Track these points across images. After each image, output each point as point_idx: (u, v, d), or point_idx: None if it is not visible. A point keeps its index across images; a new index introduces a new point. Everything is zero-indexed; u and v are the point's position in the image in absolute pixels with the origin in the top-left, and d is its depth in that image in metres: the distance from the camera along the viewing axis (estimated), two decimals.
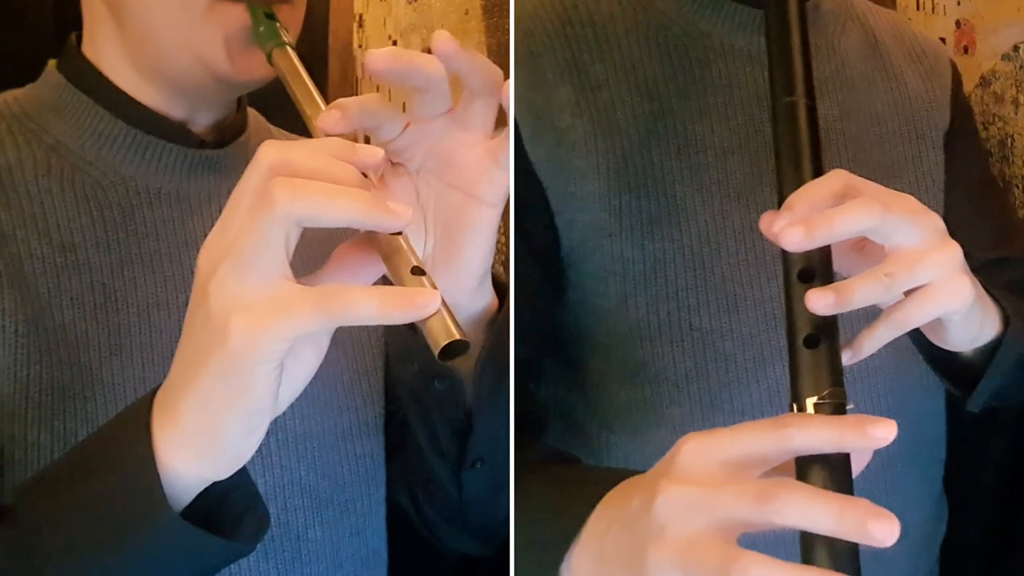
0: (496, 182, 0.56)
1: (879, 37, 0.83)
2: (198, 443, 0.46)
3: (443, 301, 0.46)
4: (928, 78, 0.84)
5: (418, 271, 0.47)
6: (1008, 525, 1.00)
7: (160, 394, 0.48)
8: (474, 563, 0.82)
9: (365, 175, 0.49)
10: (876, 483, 0.75)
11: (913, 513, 0.80)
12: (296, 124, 0.60)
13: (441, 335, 0.45)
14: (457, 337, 0.45)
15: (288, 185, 0.44)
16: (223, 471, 0.47)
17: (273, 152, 0.46)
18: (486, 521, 0.74)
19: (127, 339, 0.64)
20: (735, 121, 0.74)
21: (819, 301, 0.51)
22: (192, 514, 0.47)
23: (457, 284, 0.58)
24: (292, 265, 0.46)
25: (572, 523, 0.53)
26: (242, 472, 0.48)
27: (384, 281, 0.49)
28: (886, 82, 0.81)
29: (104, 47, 0.67)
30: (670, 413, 0.73)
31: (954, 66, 0.87)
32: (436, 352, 0.46)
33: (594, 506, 0.53)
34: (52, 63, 0.70)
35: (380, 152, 0.49)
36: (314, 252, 0.56)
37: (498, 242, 1.45)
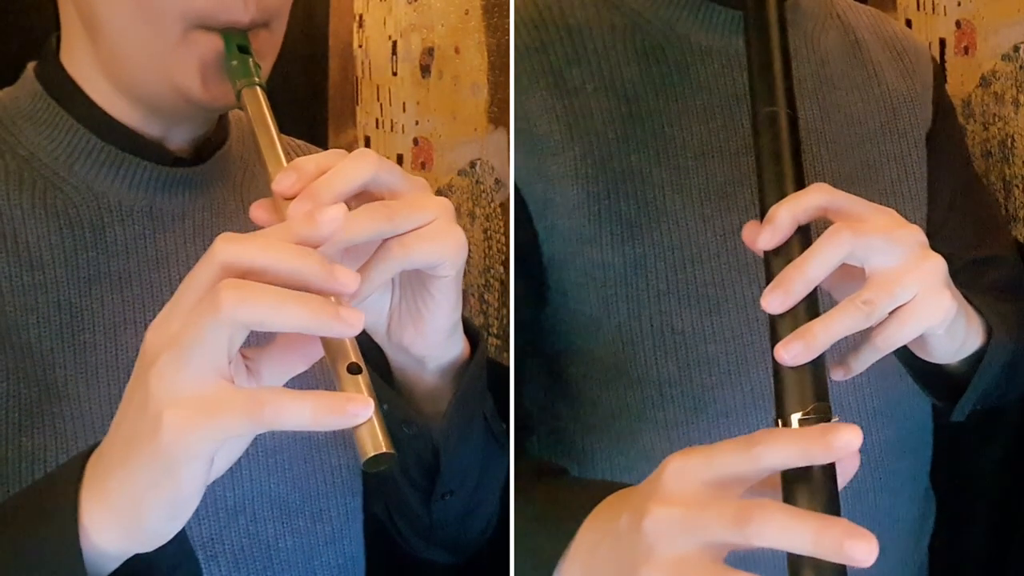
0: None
1: (859, 35, 0.83)
2: (122, 522, 0.45)
3: (376, 408, 0.45)
4: (909, 76, 0.83)
5: (355, 368, 0.47)
6: (1005, 525, 1.00)
7: (93, 458, 0.47)
8: (470, 568, 0.82)
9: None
10: (864, 481, 0.76)
11: (901, 509, 0.80)
12: (287, 125, 0.59)
13: (368, 445, 0.45)
14: (384, 450, 0.45)
15: (236, 288, 0.43)
16: (147, 548, 0.47)
17: (229, 249, 0.45)
18: (457, 540, 0.74)
19: (94, 357, 0.63)
20: (714, 123, 0.74)
21: (787, 354, 0.51)
22: (119, 573, 0.47)
23: (424, 339, 0.58)
24: None
25: (560, 538, 0.53)
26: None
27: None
28: (866, 80, 0.81)
29: (79, 60, 0.66)
30: (653, 417, 0.73)
31: (935, 63, 0.87)
32: (361, 461, 0.45)
33: (581, 521, 0.53)
34: (31, 67, 0.69)
35: (341, 212, 0.48)
36: None
37: (497, 242, 1.45)
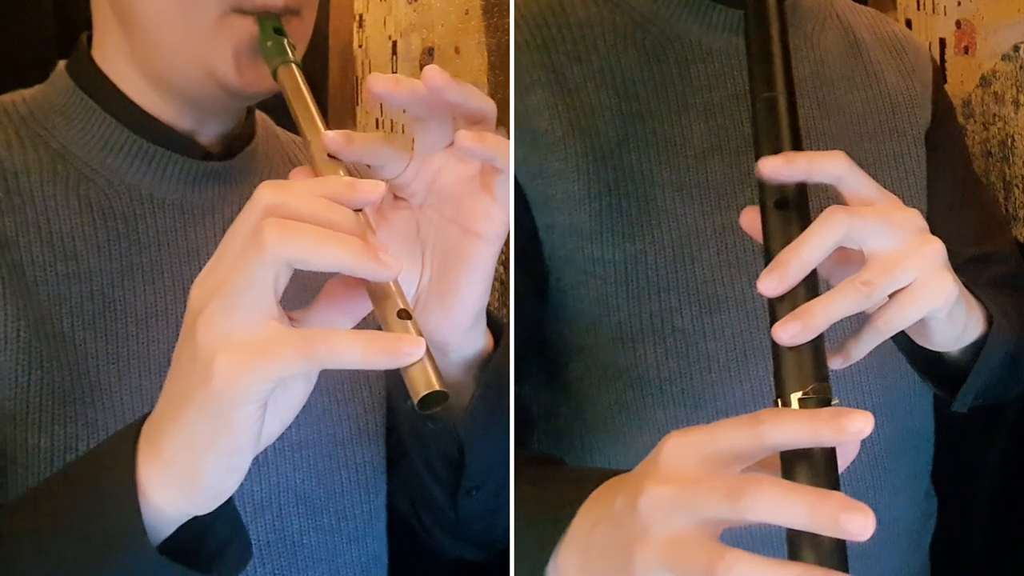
0: (493, 218, 0.56)
1: (858, 35, 0.83)
2: (180, 480, 0.46)
3: (427, 349, 0.45)
4: (908, 75, 0.84)
5: (404, 315, 0.47)
6: (1005, 524, 1.00)
7: (148, 423, 0.48)
8: (474, 565, 0.82)
9: (360, 210, 0.49)
10: (864, 479, 0.76)
11: (902, 508, 0.80)
12: (287, 124, 0.60)
13: (421, 384, 0.45)
14: (437, 388, 0.45)
15: (279, 227, 0.44)
16: (204, 507, 0.47)
17: (270, 194, 0.46)
18: (484, 536, 0.74)
19: (125, 347, 0.64)
20: (714, 121, 0.74)
21: (785, 333, 0.50)
22: (173, 545, 0.48)
23: (450, 321, 0.57)
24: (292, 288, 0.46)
25: (558, 523, 0.53)
26: (226, 503, 0.48)
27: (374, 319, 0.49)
28: (866, 80, 0.81)
29: (112, 54, 0.67)
30: (653, 415, 0.73)
31: (934, 62, 0.87)
32: (415, 401, 0.45)
33: (579, 506, 0.53)
34: (62, 64, 0.70)
35: (381, 186, 0.49)
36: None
37: None
